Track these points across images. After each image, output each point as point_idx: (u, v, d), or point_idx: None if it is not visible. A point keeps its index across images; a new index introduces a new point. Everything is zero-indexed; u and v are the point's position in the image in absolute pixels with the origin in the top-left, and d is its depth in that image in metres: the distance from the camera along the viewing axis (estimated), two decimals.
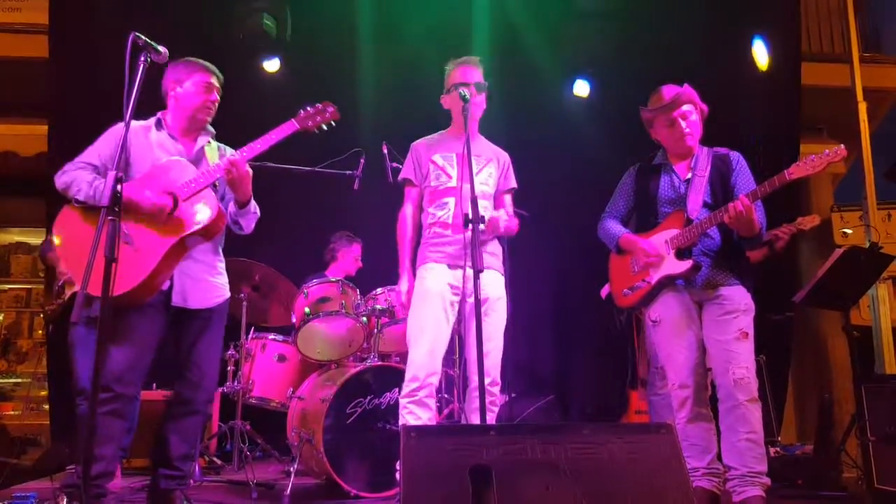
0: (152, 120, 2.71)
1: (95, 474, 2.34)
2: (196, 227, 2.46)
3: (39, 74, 4.92)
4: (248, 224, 2.73)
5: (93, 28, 4.75)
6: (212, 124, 2.81)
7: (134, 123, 2.61)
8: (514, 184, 3.07)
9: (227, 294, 2.76)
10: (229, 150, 2.79)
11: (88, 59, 4.69)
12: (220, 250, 2.78)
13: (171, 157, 2.58)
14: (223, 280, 2.75)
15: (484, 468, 1.59)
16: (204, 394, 2.63)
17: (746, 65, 5.06)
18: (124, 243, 2.38)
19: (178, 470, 2.57)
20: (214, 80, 2.71)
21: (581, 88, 5.22)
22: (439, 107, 3.04)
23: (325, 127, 2.70)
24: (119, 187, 2.02)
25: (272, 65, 4.82)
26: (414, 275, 2.90)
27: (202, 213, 2.48)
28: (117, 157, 2.12)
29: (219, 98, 2.73)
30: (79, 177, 2.53)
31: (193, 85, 2.65)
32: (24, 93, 5.56)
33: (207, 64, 2.73)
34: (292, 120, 2.66)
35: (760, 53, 5.06)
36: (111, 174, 2.03)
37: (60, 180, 2.56)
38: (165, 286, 2.54)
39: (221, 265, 2.77)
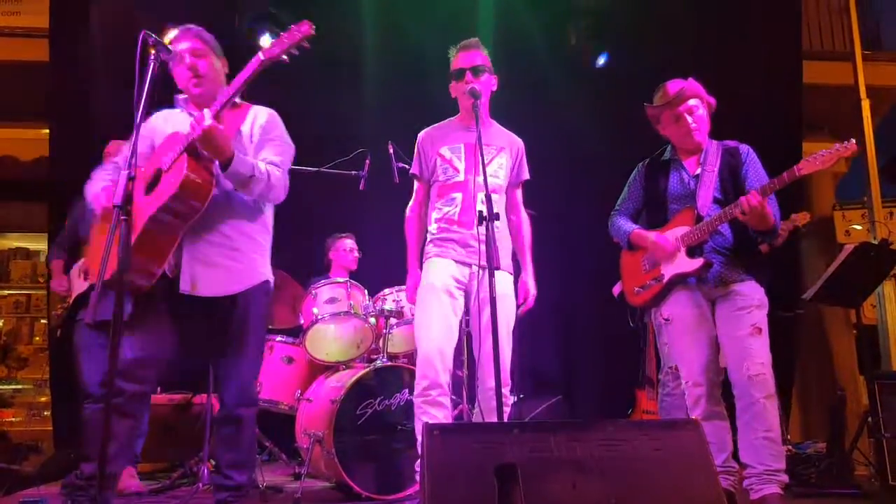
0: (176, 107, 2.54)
1: (90, 474, 2.14)
2: (161, 202, 2.15)
3: (39, 78, 4.89)
4: (252, 190, 2.31)
5: (93, 31, 4.73)
6: None
7: (161, 113, 2.49)
8: (526, 175, 2.98)
9: (257, 279, 2.37)
10: (262, 112, 2.51)
11: (89, 63, 4.66)
12: (254, 227, 2.41)
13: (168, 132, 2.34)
14: (249, 263, 2.36)
15: (510, 466, 1.57)
16: (233, 396, 2.31)
17: (748, 63, 5.05)
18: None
19: (227, 478, 2.31)
20: (185, 44, 2.40)
21: (596, 56, 5.16)
22: (445, 106, 3.00)
23: (295, 51, 2.23)
24: (131, 186, 1.98)
25: None
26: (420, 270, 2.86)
27: (173, 180, 2.17)
28: (129, 157, 2.03)
29: (202, 60, 2.41)
30: (93, 178, 2.43)
31: (173, 59, 2.34)
32: (23, 97, 5.52)
33: (185, 27, 2.45)
34: (258, 53, 2.24)
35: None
36: (123, 174, 1.99)
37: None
38: (172, 273, 2.28)
39: (249, 245, 2.38)
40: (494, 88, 2.92)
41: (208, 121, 2.16)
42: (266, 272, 2.44)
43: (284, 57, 2.21)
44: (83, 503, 2.14)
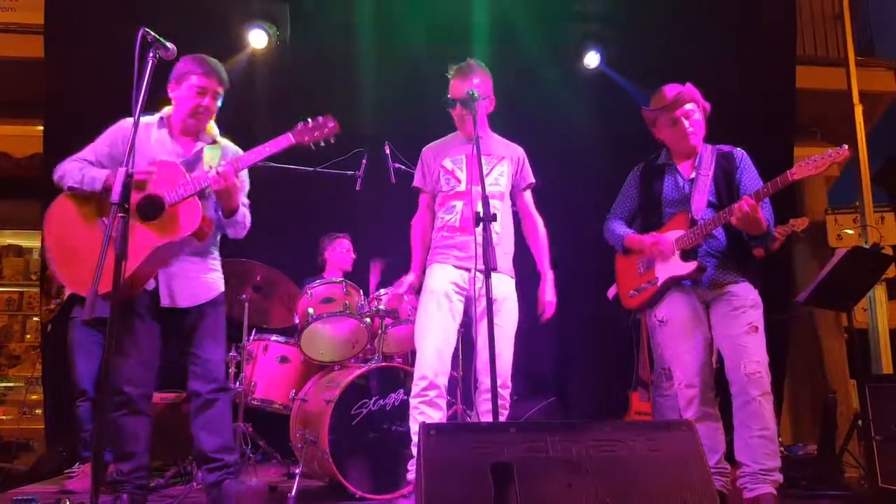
0: (156, 116, 2.69)
1: (130, 470, 2.51)
2: (180, 236, 2.44)
3: (33, 75, 4.87)
4: (237, 233, 2.71)
5: (88, 28, 4.71)
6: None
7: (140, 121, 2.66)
8: (531, 179, 3.03)
9: (220, 288, 2.75)
10: (232, 150, 2.75)
11: (84, 60, 4.64)
12: (214, 248, 2.78)
13: (164, 158, 2.55)
14: (215, 276, 2.75)
15: (505, 465, 1.58)
16: (210, 382, 2.60)
17: (742, 68, 5.08)
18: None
19: (218, 461, 2.56)
20: (211, 83, 2.63)
21: (591, 59, 5.19)
22: (441, 106, 3.02)
23: (322, 143, 2.59)
24: (130, 183, 2.00)
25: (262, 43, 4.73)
26: (423, 274, 2.91)
27: (187, 221, 2.45)
28: (127, 154, 2.10)
29: (215, 102, 2.66)
30: (71, 168, 2.58)
31: (187, 88, 2.61)
32: (17, 93, 5.50)
33: (209, 62, 2.65)
34: (289, 133, 2.57)
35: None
36: (121, 171, 2.01)
37: (55, 175, 2.62)
38: (150, 286, 2.56)
39: (214, 262, 2.77)
40: (490, 110, 2.96)
41: (232, 178, 2.47)
42: (222, 286, 2.79)
43: (312, 145, 2.54)
44: (129, 490, 2.51)
